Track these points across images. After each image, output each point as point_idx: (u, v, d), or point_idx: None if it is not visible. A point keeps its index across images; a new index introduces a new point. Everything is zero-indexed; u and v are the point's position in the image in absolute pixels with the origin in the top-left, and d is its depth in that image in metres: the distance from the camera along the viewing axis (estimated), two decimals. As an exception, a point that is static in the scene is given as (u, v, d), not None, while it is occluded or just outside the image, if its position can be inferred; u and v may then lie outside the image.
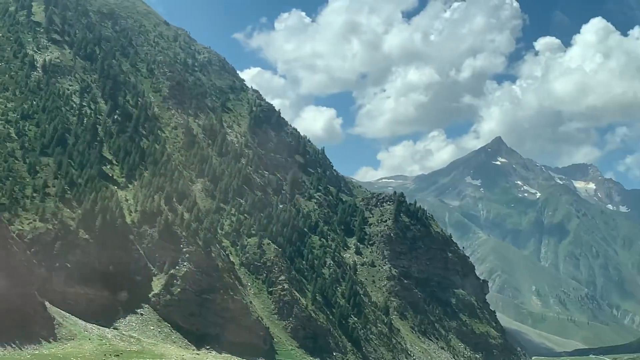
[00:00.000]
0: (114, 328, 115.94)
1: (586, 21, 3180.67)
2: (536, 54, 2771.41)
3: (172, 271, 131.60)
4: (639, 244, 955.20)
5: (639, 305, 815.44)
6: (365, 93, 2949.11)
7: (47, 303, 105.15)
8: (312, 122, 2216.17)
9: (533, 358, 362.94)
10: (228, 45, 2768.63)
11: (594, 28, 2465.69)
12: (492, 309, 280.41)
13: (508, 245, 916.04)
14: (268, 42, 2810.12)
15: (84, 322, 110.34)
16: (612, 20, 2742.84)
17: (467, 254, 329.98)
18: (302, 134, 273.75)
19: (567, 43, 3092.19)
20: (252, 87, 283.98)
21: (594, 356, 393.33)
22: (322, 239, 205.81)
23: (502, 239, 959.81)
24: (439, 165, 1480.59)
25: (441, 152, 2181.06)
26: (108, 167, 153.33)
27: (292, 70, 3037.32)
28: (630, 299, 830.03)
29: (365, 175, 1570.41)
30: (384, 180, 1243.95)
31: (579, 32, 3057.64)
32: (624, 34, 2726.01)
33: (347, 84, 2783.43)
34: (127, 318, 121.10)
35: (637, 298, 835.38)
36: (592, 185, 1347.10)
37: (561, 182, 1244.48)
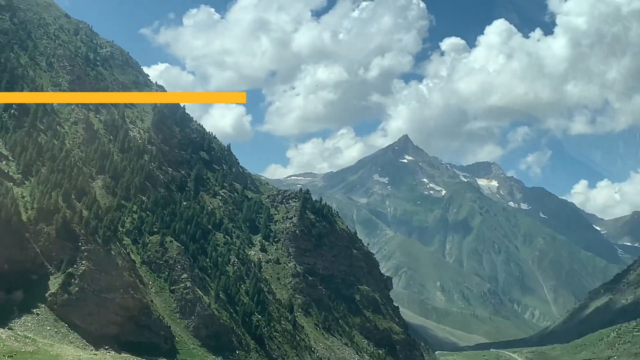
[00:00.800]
0: (8, 328, 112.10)
1: (489, 23, 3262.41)
2: (442, 54, 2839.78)
3: (69, 270, 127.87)
4: (539, 240, 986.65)
5: (539, 300, 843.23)
6: (274, 90, 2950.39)
7: None
8: (221, 119, 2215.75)
9: (436, 352, 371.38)
10: (134, 41, 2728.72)
11: (497, 30, 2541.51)
12: (396, 305, 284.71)
13: (414, 241, 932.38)
14: (176, 38, 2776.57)
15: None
16: (514, 22, 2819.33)
17: (374, 251, 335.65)
18: (207, 130, 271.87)
19: (471, 44, 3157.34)
20: (156, 83, 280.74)
21: (494, 350, 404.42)
22: (226, 236, 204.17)
23: (408, 236, 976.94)
24: (348, 162, 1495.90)
25: (350, 150, 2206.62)
26: (3, 163, 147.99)
27: (201, 66, 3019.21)
28: (531, 294, 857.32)
29: (274, 173, 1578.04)
30: (293, 177, 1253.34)
31: (482, 34, 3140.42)
32: (526, 35, 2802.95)
33: (256, 81, 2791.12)
34: (22, 318, 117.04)
35: (537, 293, 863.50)
36: (494, 183, 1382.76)
37: (465, 180, 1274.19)
